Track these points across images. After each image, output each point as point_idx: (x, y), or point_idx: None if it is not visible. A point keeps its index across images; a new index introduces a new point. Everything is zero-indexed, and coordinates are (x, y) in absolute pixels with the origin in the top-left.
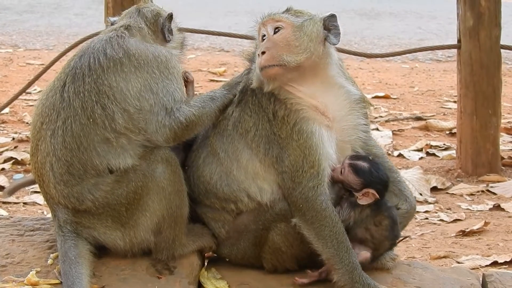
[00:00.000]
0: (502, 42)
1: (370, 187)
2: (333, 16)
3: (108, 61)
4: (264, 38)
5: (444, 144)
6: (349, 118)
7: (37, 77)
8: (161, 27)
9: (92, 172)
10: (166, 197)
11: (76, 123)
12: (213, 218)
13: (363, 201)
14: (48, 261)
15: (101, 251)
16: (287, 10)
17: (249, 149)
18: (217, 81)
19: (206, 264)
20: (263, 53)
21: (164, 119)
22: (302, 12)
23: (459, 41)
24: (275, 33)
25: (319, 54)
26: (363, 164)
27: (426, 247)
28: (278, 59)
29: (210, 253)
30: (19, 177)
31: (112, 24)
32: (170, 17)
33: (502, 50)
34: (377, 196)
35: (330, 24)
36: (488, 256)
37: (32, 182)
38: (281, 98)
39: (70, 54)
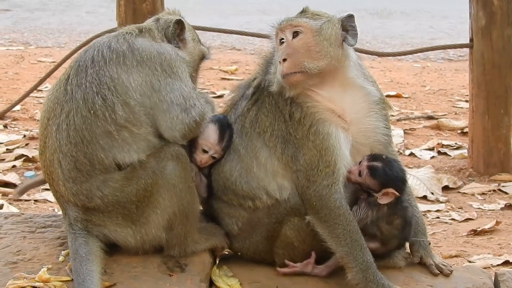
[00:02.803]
0: None
1: (388, 186)
2: (351, 17)
3: (111, 53)
4: (282, 42)
5: (455, 143)
6: (367, 120)
7: (48, 75)
8: (171, 34)
9: (100, 167)
10: (177, 194)
11: (78, 115)
12: (228, 214)
13: (383, 200)
14: (60, 258)
15: (112, 249)
16: (304, 12)
17: (267, 148)
18: (228, 79)
19: (217, 262)
20: (284, 60)
21: (180, 115)
22: (319, 14)
23: (471, 40)
24: (293, 37)
25: (339, 57)
26: (378, 165)
27: (437, 246)
28: (300, 66)
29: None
30: (30, 174)
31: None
32: (178, 23)
33: None
34: (397, 194)
35: (347, 25)
36: (500, 255)
37: (42, 182)
38: (298, 101)
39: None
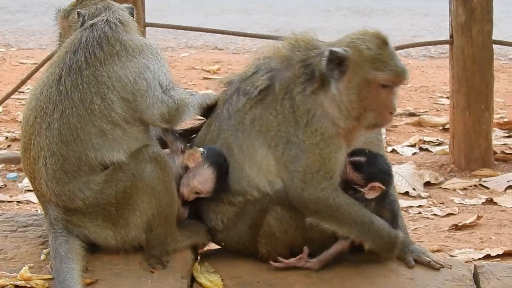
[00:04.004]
0: (495, 38)
1: (373, 180)
2: None
3: (105, 54)
4: (387, 87)
5: (437, 140)
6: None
7: (29, 76)
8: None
9: (85, 169)
10: (155, 196)
11: (74, 115)
12: (213, 210)
13: (370, 195)
14: (41, 257)
15: (94, 246)
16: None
17: (266, 147)
18: (210, 78)
19: (199, 258)
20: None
21: (160, 95)
22: None
23: (451, 36)
24: None
25: None
26: (361, 159)
27: (419, 241)
28: None
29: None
30: (12, 176)
31: (82, 16)
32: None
33: (494, 46)
34: (383, 187)
35: None
36: (481, 249)
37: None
38: (319, 115)
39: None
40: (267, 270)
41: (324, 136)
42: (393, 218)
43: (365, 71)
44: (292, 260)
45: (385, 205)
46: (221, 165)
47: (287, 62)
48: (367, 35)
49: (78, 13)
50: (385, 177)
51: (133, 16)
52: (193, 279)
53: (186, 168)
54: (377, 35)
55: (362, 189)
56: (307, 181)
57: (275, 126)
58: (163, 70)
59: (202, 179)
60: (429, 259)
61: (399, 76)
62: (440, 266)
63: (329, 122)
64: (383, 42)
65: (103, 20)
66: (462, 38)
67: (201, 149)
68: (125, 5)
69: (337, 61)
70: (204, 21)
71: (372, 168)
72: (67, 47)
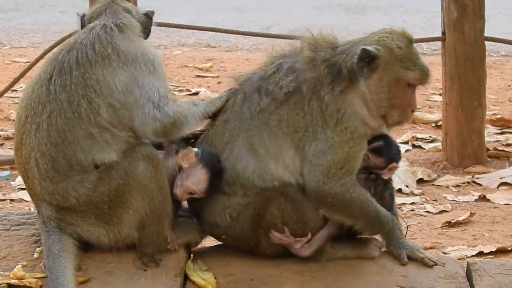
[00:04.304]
0: (487, 35)
1: (393, 161)
2: None
3: (96, 56)
4: (413, 87)
5: (430, 137)
6: None
7: (22, 75)
8: (148, 25)
9: (78, 168)
10: (148, 194)
11: (61, 116)
12: (222, 205)
13: (387, 175)
14: (34, 255)
15: (87, 245)
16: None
17: (295, 149)
18: (203, 76)
19: (192, 256)
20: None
21: (152, 111)
22: None
23: (443, 33)
24: None
25: None
26: (380, 143)
27: (412, 238)
28: None
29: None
30: (5, 174)
31: (83, 17)
32: (153, 14)
33: (487, 42)
34: (398, 166)
35: None
36: (474, 246)
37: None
38: (349, 114)
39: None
40: (260, 268)
41: (354, 135)
42: (391, 200)
43: (395, 70)
44: (292, 238)
45: (389, 187)
46: (214, 166)
47: (312, 63)
48: (395, 34)
49: (78, 14)
50: (399, 156)
51: (151, 21)
52: (186, 277)
53: (180, 169)
54: (404, 34)
55: (381, 171)
56: (330, 176)
57: (303, 127)
58: (155, 84)
59: (195, 180)
60: (423, 256)
61: (426, 75)
62: (433, 263)
63: (359, 121)
64: (410, 41)
65: (101, 23)
66: (454, 35)
67: (195, 149)
68: (145, 9)
69: (368, 59)
70: (196, 19)
71: (392, 150)
72: (64, 45)
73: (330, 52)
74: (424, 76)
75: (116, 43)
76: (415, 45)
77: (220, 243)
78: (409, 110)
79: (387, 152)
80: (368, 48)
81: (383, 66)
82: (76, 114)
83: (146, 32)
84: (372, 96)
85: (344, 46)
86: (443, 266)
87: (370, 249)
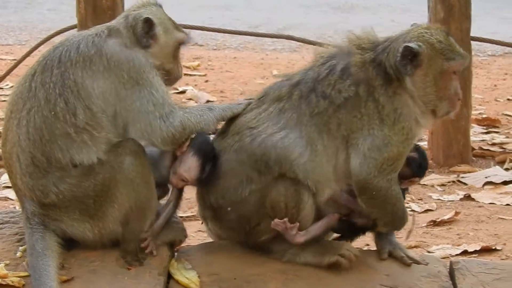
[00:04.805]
0: (473, 35)
1: (417, 176)
2: None
3: (79, 56)
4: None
5: None
6: None
7: (8, 72)
8: (139, 34)
9: (57, 165)
10: (134, 188)
11: (39, 114)
12: (250, 180)
13: (405, 185)
14: (17, 254)
15: (70, 244)
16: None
17: (351, 149)
18: (190, 75)
19: (176, 255)
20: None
21: (153, 122)
22: None
23: None
24: None
25: None
26: (414, 155)
27: (397, 237)
28: None
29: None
30: None
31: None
32: (146, 22)
33: (474, 42)
34: (419, 182)
35: None
36: (459, 245)
37: None
38: (406, 117)
39: (42, 49)
40: (244, 267)
41: (409, 136)
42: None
43: (439, 63)
44: (289, 224)
45: (404, 191)
46: (206, 154)
47: (363, 66)
48: (432, 29)
49: None
50: (425, 173)
51: (147, 27)
52: (170, 276)
53: (175, 157)
54: (440, 28)
55: (401, 180)
56: (382, 170)
57: (360, 127)
58: (141, 94)
59: (187, 167)
60: (403, 255)
61: (466, 59)
62: (411, 262)
63: (413, 121)
64: (446, 33)
65: (105, 26)
66: None
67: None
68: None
69: (410, 56)
70: (184, 17)
71: (421, 165)
72: (58, 42)
73: (374, 52)
74: (465, 60)
75: (101, 46)
76: None
77: (204, 242)
78: (456, 99)
79: (416, 166)
80: (410, 44)
81: (426, 61)
82: (53, 113)
83: (143, 40)
84: (419, 92)
85: (383, 44)
86: (426, 265)
87: (336, 257)
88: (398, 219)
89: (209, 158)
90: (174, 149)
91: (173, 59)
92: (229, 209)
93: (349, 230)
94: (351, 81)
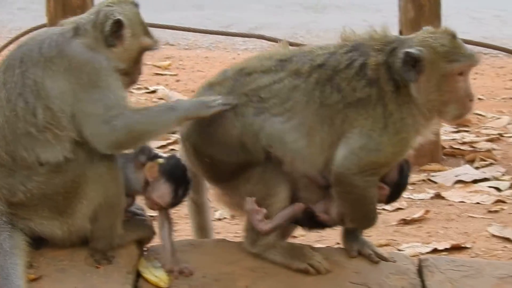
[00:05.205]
0: None
1: (389, 185)
2: None
3: (40, 56)
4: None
5: None
6: None
7: None
8: (106, 33)
9: (23, 164)
10: (103, 184)
11: (1, 114)
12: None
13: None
14: None
15: (38, 243)
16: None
17: (340, 139)
18: (161, 74)
19: (145, 253)
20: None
21: (98, 127)
22: None
23: (400, 32)
24: None
25: None
26: (395, 176)
27: (367, 236)
28: None
29: None
30: None
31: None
32: (116, 22)
33: None
34: (387, 193)
35: None
36: (428, 243)
37: None
38: (409, 128)
39: (11, 48)
40: (213, 265)
41: (405, 147)
42: None
43: (441, 67)
44: (254, 205)
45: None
46: (178, 180)
47: (378, 69)
48: (438, 33)
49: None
50: (399, 189)
51: (115, 28)
52: (139, 275)
53: (147, 182)
54: (447, 31)
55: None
56: (363, 171)
57: (361, 125)
58: (99, 97)
59: (159, 194)
60: (371, 252)
61: (472, 58)
62: (378, 260)
63: (414, 132)
64: (453, 36)
65: (72, 24)
66: (411, 34)
67: (160, 160)
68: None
69: (412, 62)
70: (155, 16)
71: (398, 180)
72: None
73: (385, 55)
74: (471, 59)
75: (64, 48)
76: None
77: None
78: (467, 101)
79: (395, 185)
80: (411, 50)
81: (428, 66)
82: (14, 113)
83: (109, 39)
84: (424, 99)
85: (391, 45)
86: (395, 262)
87: (305, 265)
88: (366, 220)
89: (181, 183)
90: (145, 174)
91: (134, 64)
92: (207, 160)
93: (310, 222)
94: (366, 82)
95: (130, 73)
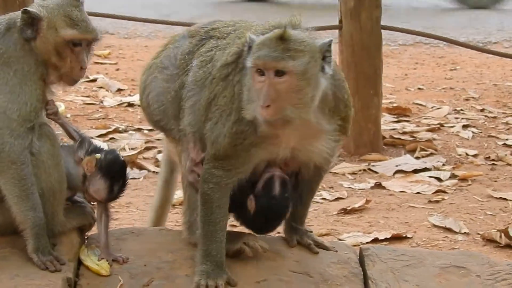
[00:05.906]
0: (384, 24)
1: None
2: (330, 45)
3: None
4: (261, 75)
5: None
6: (310, 147)
7: None
8: (21, 24)
9: None
10: (46, 170)
11: None
12: None
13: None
14: None
15: None
16: (285, 43)
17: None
18: (101, 63)
19: (86, 241)
20: (267, 106)
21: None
22: (302, 49)
23: (340, 22)
24: (276, 76)
25: (316, 98)
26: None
27: (308, 225)
28: (283, 114)
29: None
30: None
31: None
32: (24, 13)
33: (384, 32)
34: (254, 207)
35: (326, 53)
36: (369, 233)
37: None
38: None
39: None
40: (154, 254)
41: (245, 142)
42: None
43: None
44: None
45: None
46: (114, 176)
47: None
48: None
49: None
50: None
51: (26, 20)
52: (80, 263)
53: (85, 176)
54: None
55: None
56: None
57: (219, 106)
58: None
59: (95, 189)
60: (310, 242)
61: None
62: (318, 250)
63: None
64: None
65: (7, 19)
66: (351, 24)
67: (98, 155)
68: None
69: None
70: (94, 5)
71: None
72: None
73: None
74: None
75: None
76: None
77: (115, 228)
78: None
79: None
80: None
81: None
82: None
83: (26, 31)
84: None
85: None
86: (336, 252)
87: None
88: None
89: (118, 179)
90: (83, 168)
91: (58, 57)
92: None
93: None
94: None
95: (62, 68)
